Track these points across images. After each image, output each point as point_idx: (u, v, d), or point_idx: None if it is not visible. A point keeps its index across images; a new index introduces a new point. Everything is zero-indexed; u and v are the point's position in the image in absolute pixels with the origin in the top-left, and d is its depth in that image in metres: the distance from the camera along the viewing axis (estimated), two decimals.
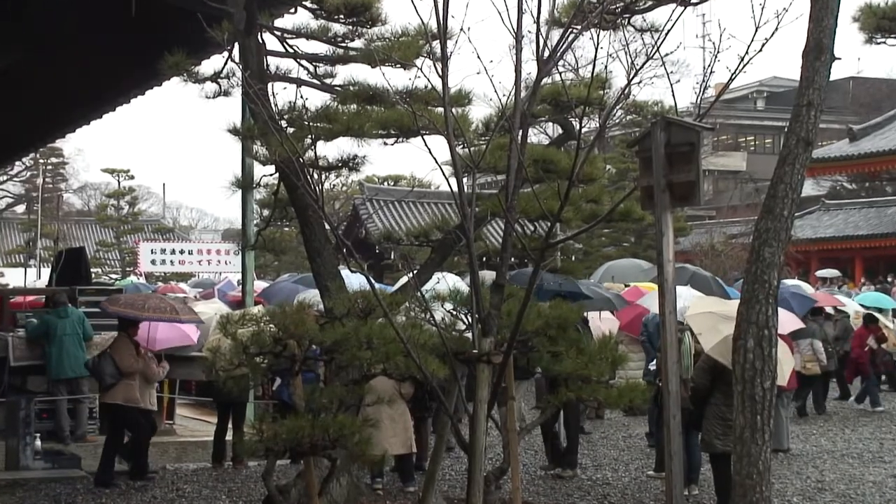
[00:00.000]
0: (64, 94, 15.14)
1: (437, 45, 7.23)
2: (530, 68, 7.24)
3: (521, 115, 7.25)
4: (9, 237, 62.22)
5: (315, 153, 9.17)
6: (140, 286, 28.78)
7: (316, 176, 8.47)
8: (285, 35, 10.64)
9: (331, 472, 7.86)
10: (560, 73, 10.16)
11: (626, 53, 7.07)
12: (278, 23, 10.63)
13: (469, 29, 6.70)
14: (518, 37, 7.05)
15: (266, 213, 12.71)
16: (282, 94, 10.73)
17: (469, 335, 7.60)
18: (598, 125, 16.20)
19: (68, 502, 10.47)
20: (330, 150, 10.08)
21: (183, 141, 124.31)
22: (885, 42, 11.93)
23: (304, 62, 10.73)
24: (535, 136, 34.46)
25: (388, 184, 50.29)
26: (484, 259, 13.37)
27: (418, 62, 8.65)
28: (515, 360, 8.73)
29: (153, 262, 45.40)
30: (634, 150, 8.02)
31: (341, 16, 10.35)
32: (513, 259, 10.02)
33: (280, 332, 7.49)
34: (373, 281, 7.60)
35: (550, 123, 23.36)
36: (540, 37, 6.96)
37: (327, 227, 9.78)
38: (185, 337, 13.60)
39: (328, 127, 9.25)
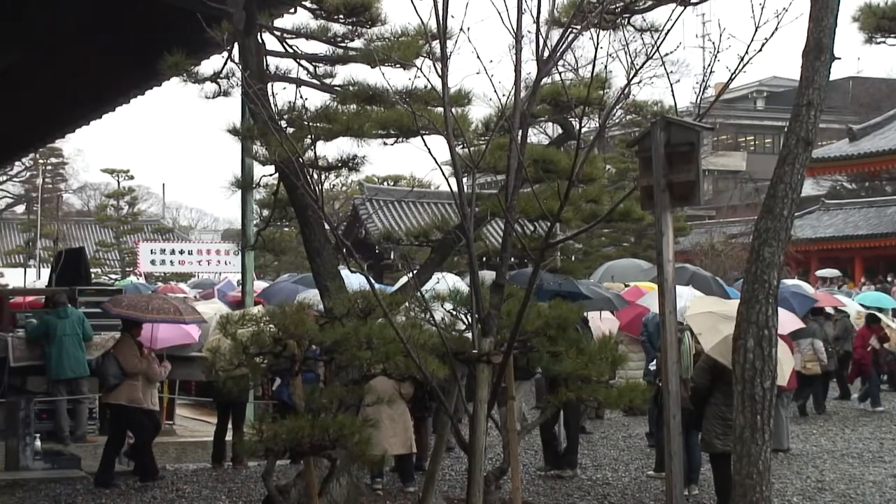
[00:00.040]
0: (64, 94, 15.14)
1: (436, 45, 7.23)
2: (530, 68, 7.25)
3: (520, 115, 7.25)
4: (8, 237, 62.22)
5: (315, 153, 9.16)
6: (140, 286, 28.77)
7: (316, 176, 8.46)
8: (285, 35, 10.64)
9: (331, 472, 7.85)
10: (560, 73, 10.15)
11: (625, 53, 7.07)
12: (278, 23, 10.62)
13: (469, 29, 6.70)
14: (518, 37, 7.05)
15: (266, 213, 12.70)
16: (281, 94, 10.74)
17: (469, 335, 7.60)
18: (597, 125, 16.18)
19: (68, 503, 10.46)
20: (330, 150, 10.09)
21: (183, 141, 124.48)
22: (884, 42, 11.93)
23: (303, 62, 10.73)
24: (535, 136, 34.48)
25: (388, 184, 50.32)
26: (484, 259, 13.37)
27: (418, 62, 8.64)
28: (516, 361, 8.74)
29: (153, 262, 45.38)
30: (634, 150, 8.01)
31: (341, 16, 10.35)
32: (513, 259, 10.01)
33: (280, 333, 7.49)
34: (372, 281, 7.60)
35: (550, 123, 23.36)
36: (540, 37, 6.97)
37: (327, 227, 9.77)
38: (187, 335, 13.60)
39: (328, 127, 9.24)
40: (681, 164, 6.88)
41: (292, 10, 10.68)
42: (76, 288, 15.03)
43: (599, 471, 12.15)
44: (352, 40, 10.52)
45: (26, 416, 12.09)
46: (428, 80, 7.56)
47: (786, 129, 7.33)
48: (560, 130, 11.88)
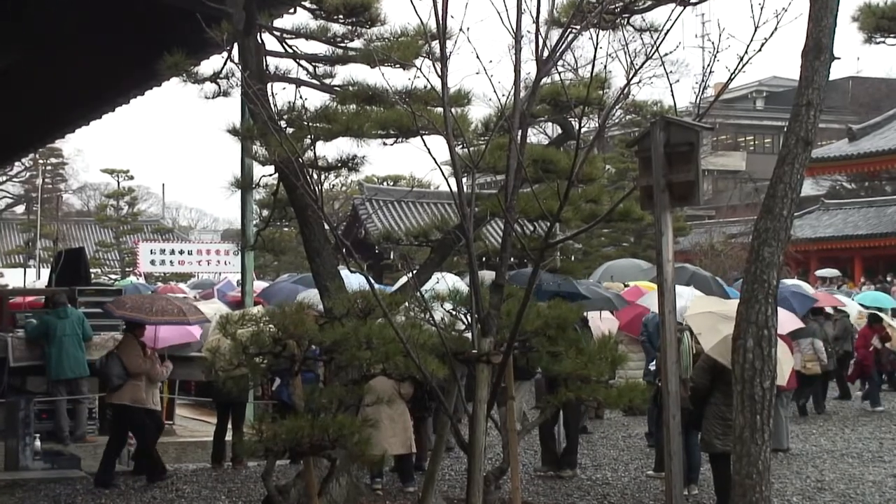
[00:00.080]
0: (64, 94, 15.15)
1: (436, 45, 7.22)
2: (530, 68, 7.25)
3: (520, 115, 7.25)
4: (8, 237, 62.22)
5: (314, 153, 9.16)
6: (139, 286, 28.77)
7: (315, 176, 8.46)
8: (284, 35, 10.64)
9: (330, 472, 7.85)
10: (559, 73, 10.14)
11: (625, 53, 7.08)
12: (277, 23, 10.62)
13: (468, 29, 6.70)
14: (517, 37, 7.05)
15: (265, 213, 12.71)
16: (281, 95, 10.73)
17: (469, 335, 7.60)
18: (597, 125, 16.19)
19: (68, 503, 10.46)
20: (329, 150, 10.08)
21: (182, 141, 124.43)
22: (884, 42, 11.93)
23: (303, 62, 10.73)
24: (535, 136, 34.50)
25: (388, 184, 50.32)
26: (483, 259, 13.37)
27: (417, 62, 8.64)
28: (515, 361, 8.74)
29: (152, 262, 45.39)
30: (634, 150, 8.02)
31: (340, 16, 10.35)
32: (512, 259, 10.01)
33: (279, 333, 7.49)
34: (372, 281, 7.60)
35: (550, 123, 23.37)
36: (539, 37, 6.96)
37: (326, 227, 9.77)
38: (188, 334, 13.61)
39: (327, 127, 9.24)
40: (680, 164, 6.88)
41: (292, 11, 10.68)
42: (76, 288, 15.04)
43: (599, 471, 12.15)
44: (351, 40, 10.52)
45: (26, 416, 12.10)
46: (427, 80, 7.57)
47: (785, 129, 7.33)
48: (560, 130, 11.88)
